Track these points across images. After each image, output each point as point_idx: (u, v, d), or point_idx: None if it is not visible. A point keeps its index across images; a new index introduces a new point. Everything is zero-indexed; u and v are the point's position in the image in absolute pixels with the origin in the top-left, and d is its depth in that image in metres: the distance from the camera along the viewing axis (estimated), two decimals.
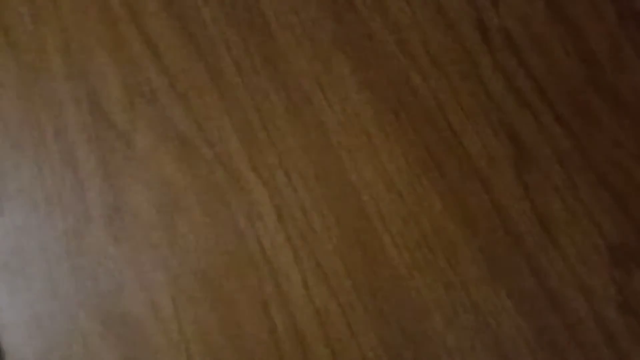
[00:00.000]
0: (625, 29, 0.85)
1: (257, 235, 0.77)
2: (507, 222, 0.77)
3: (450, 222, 0.77)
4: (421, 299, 0.74)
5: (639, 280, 0.74)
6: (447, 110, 0.82)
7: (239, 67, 0.84)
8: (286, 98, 0.82)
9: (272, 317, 0.73)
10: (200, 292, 0.75)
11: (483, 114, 0.82)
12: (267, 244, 0.76)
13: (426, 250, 0.76)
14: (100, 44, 0.85)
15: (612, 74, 0.83)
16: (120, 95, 0.82)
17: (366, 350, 0.72)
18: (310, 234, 0.77)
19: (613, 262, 0.75)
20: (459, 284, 0.75)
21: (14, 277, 0.75)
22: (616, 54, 0.84)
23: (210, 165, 0.80)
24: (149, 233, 0.77)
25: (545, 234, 0.77)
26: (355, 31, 0.85)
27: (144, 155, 0.80)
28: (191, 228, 0.77)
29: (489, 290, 0.74)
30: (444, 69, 0.83)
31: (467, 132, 0.81)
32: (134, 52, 0.84)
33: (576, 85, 0.83)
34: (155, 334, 0.73)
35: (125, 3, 0.86)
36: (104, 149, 0.80)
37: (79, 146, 0.80)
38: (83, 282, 0.75)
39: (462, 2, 0.86)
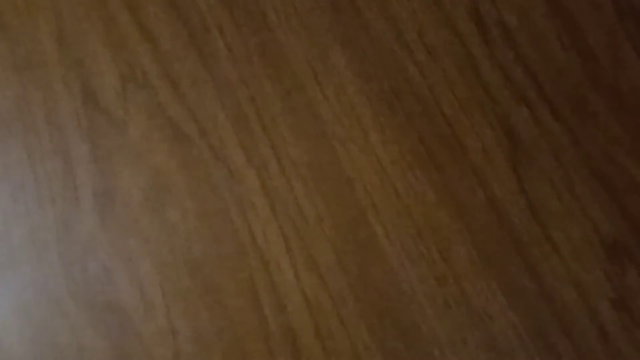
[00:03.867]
0: (623, 24, 0.84)
1: (249, 225, 0.76)
2: (501, 216, 0.77)
3: (444, 215, 0.77)
4: (413, 292, 0.74)
5: (632, 277, 0.74)
6: (443, 103, 0.81)
7: (234, 55, 0.83)
8: (281, 88, 0.82)
9: (262, 307, 0.73)
10: (190, 282, 0.74)
11: (479, 106, 0.81)
12: (259, 234, 0.76)
13: (419, 242, 0.75)
14: (94, 30, 0.84)
15: (609, 69, 0.83)
16: (113, 82, 0.82)
17: (357, 341, 0.72)
18: (302, 225, 0.76)
19: (607, 258, 0.75)
20: (451, 278, 0.74)
21: (2, 264, 0.75)
22: (614, 49, 0.83)
23: (202, 153, 0.79)
24: (139, 221, 0.76)
25: (540, 229, 0.76)
26: (352, 22, 0.85)
27: (135, 142, 0.79)
28: (182, 216, 0.76)
29: (482, 284, 0.74)
30: (440, 61, 0.83)
31: (462, 125, 0.80)
32: (127, 38, 0.83)
33: (573, 79, 0.82)
34: (144, 322, 0.72)
35: None
36: (95, 136, 0.79)
37: (70, 132, 0.80)
38: (71, 269, 0.74)
39: None
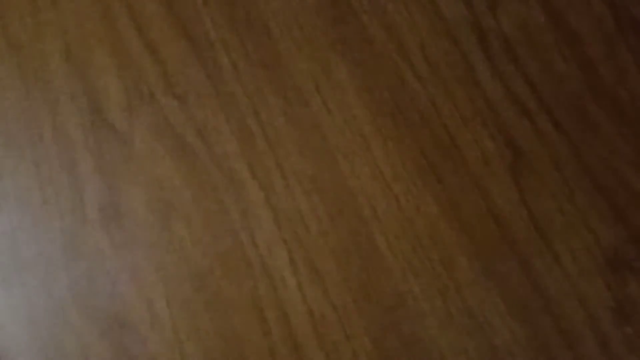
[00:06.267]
0: (623, 35, 0.85)
1: (253, 237, 0.77)
2: (502, 227, 0.77)
3: (446, 227, 0.77)
4: (416, 303, 0.74)
5: (633, 287, 0.74)
6: (444, 115, 0.82)
7: (238, 69, 0.84)
8: (284, 101, 0.82)
9: (267, 320, 0.73)
10: (195, 294, 0.75)
11: (480, 119, 0.82)
12: (263, 246, 0.76)
13: (422, 254, 0.76)
14: (100, 45, 0.85)
15: (609, 80, 0.83)
16: (119, 97, 0.82)
17: (360, 353, 0.72)
18: (306, 237, 0.77)
19: (608, 269, 0.75)
20: (453, 289, 0.75)
21: (10, 277, 0.75)
22: (614, 60, 0.84)
23: (207, 167, 0.80)
24: (145, 234, 0.77)
25: (541, 240, 0.76)
26: (354, 35, 0.85)
27: (141, 156, 0.80)
28: (187, 229, 0.77)
29: (484, 295, 0.74)
30: (441, 74, 0.83)
31: (464, 137, 0.81)
32: (133, 53, 0.84)
33: (573, 91, 0.83)
34: (150, 334, 0.73)
35: (125, 5, 0.87)
36: (101, 150, 0.80)
37: (76, 146, 0.80)
38: (78, 282, 0.75)
39: (460, 7, 0.86)
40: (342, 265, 0.76)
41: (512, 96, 0.82)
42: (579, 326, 0.73)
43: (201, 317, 0.74)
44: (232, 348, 0.72)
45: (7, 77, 0.83)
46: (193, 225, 0.77)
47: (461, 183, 0.79)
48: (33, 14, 0.86)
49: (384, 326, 0.73)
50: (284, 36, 0.85)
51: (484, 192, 0.79)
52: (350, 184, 0.79)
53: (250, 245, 0.76)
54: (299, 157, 0.80)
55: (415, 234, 0.77)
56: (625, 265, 0.75)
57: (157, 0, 0.87)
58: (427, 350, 0.72)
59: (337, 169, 0.79)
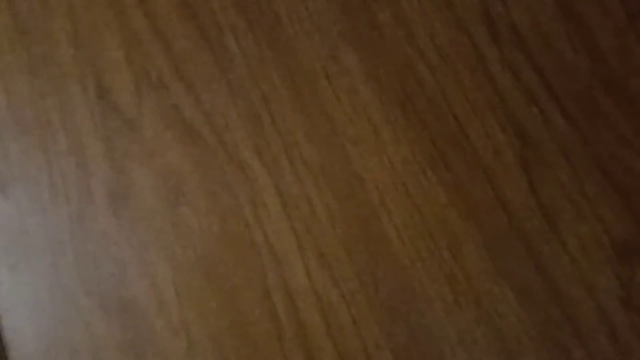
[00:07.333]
0: (633, 26, 0.85)
1: (261, 223, 0.76)
2: (511, 216, 0.77)
3: (454, 215, 0.77)
4: (424, 291, 0.74)
5: None
6: (454, 104, 0.82)
7: (247, 56, 0.84)
8: (293, 88, 0.82)
9: (274, 305, 0.73)
10: (203, 279, 0.74)
11: (490, 108, 0.81)
12: (271, 233, 0.76)
13: (430, 242, 0.76)
14: (109, 30, 0.85)
15: (619, 70, 0.83)
16: (128, 82, 0.82)
17: (367, 340, 0.72)
18: (314, 224, 0.77)
19: (617, 258, 0.75)
20: (462, 277, 0.75)
21: (17, 261, 0.75)
22: (624, 51, 0.84)
23: (215, 153, 0.80)
24: (152, 219, 0.77)
25: (550, 229, 0.76)
26: (363, 23, 0.85)
27: (149, 141, 0.80)
28: (195, 215, 0.77)
29: (492, 284, 0.74)
30: (451, 63, 0.83)
31: (473, 126, 0.81)
32: (141, 39, 0.84)
33: (583, 81, 0.83)
34: (157, 319, 0.73)
35: None
36: (110, 135, 0.80)
37: (85, 131, 0.80)
38: (86, 266, 0.75)
39: None
40: (350, 252, 0.75)
41: (521, 86, 0.82)
42: (587, 315, 0.73)
43: (208, 302, 0.74)
44: (239, 333, 0.72)
45: (15, 62, 0.83)
46: (201, 211, 0.77)
47: (470, 172, 0.79)
48: None
49: (392, 313, 0.73)
50: (293, 23, 0.85)
51: (492, 181, 0.78)
52: (358, 171, 0.79)
53: (258, 232, 0.76)
54: (308, 144, 0.80)
55: (424, 222, 0.77)
56: (634, 255, 0.75)
57: None
58: (435, 338, 0.72)
59: (345, 157, 0.79)
